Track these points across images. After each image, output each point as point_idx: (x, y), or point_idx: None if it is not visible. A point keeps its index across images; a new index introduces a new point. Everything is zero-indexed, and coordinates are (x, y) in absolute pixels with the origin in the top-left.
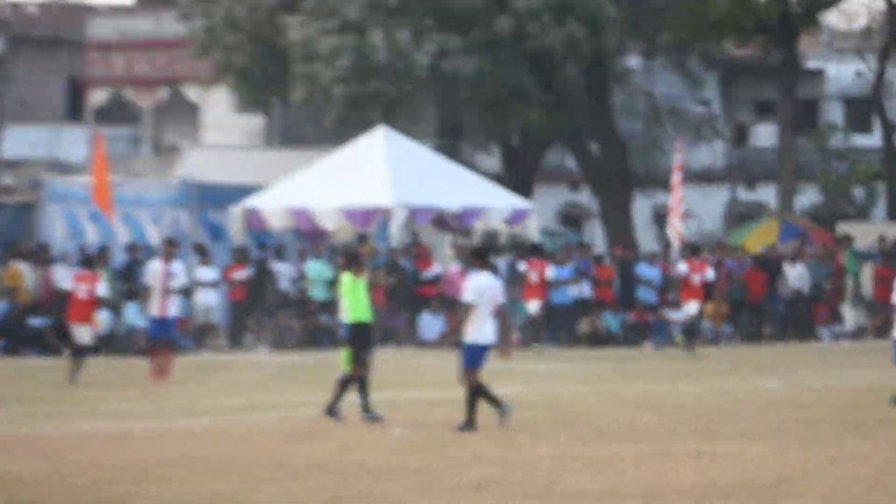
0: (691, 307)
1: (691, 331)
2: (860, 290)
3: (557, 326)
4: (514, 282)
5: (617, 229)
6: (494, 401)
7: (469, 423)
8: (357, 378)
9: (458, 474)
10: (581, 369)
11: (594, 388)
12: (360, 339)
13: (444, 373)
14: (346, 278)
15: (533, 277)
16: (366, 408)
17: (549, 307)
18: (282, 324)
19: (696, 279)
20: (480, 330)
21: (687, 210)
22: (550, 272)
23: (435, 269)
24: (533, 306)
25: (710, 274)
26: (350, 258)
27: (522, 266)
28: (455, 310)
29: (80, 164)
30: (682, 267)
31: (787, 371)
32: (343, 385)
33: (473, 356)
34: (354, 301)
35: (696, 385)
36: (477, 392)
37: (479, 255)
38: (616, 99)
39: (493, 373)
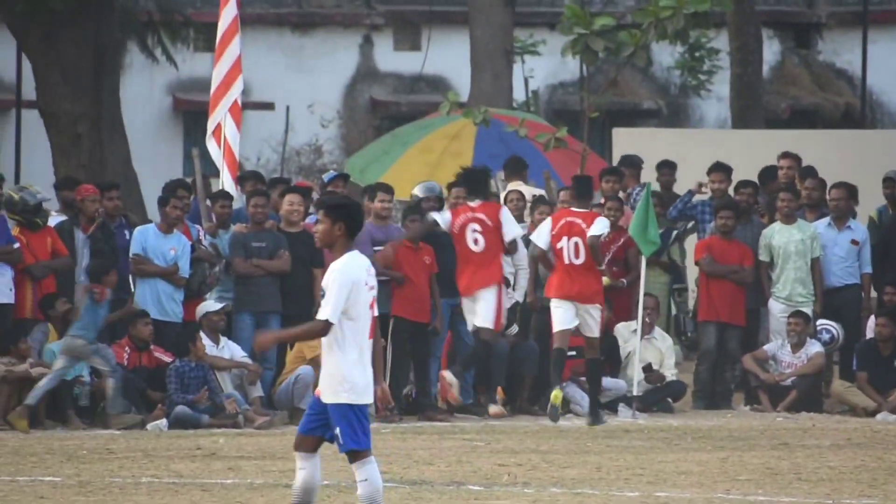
0: (562, 315)
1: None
2: (679, 293)
3: None
4: None
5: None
6: None
7: None
8: None
9: None
10: None
11: None
12: None
13: None
14: None
15: None
16: None
17: None
18: None
19: (570, 252)
20: None
21: (242, 101)
22: None
23: None
24: None
25: (602, 226)
26: None
27: None
28: None
29: None
30: (540, 233)
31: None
32: None
33: None
34: None
35: None
36: None
37: None
38: None
39: None
